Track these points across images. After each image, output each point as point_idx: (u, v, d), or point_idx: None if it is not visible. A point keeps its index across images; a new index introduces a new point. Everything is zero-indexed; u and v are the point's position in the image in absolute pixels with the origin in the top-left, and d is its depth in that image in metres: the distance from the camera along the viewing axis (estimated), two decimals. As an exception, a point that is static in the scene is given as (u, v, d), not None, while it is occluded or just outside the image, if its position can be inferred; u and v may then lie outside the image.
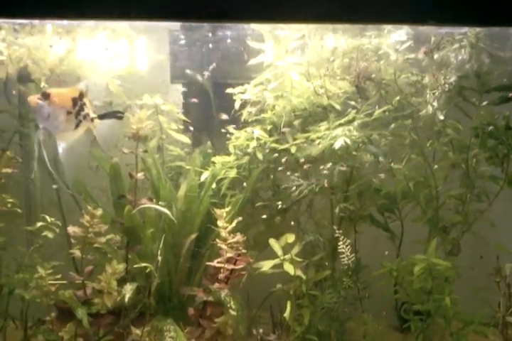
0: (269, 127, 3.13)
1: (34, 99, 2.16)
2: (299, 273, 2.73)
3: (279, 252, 2.84)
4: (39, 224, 2.52)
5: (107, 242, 2.79)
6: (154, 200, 2.92)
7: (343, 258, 2.78)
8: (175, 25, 3.44)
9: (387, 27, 2.54)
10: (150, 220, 2.91)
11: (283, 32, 3.04)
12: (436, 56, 2.41)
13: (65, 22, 2.63)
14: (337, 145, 2.52)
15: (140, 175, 2.80)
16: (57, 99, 2.20)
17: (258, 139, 3.09)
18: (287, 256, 2.78)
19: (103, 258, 2.82)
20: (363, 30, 2.65)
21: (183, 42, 3.36)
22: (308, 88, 2.97)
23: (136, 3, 1.92)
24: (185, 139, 3.37)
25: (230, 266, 2.63)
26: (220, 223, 2.63)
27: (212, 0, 1.87)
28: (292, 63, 3.00)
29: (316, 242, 2.99)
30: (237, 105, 3.17)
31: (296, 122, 3.08)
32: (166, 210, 2.58)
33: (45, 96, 2.18)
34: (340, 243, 2.76)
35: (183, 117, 3.41)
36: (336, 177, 2.52)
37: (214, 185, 3.06)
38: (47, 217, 2.56)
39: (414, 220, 2.94)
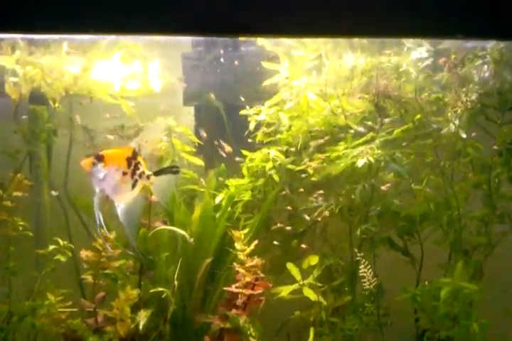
0: (284, 148, 3.06)
1: (88, 162, 2.11)
2: (320, 298, 2.61)
3: (298, 277, 2.74)
4: (51, 247, 2.42)
5: (119, 268, 2.69)
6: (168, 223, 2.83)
7: (365, 282, 2.67)
8: (187, 48, 3.43)
9: (407, 44, 2.51)
10: (164, 244, 2.82)
11: (299, 52, 3.01)
12: (458, 73, 2.36)
13: (78, 39, 2.60)
14: (360, 163, 2.45)
15: (155, 198, 2.72)
16: (112, 160, 2.16)
17: (274, 160, 3.03)
18: (306, 281, 2.67)
19: (114, 284, 2.71)
20: (381, 48, 2.62)
21: (196, 64, 3.33)
22: (324, 108, 2.92)
23: (155, 17, 1.88)
24: (199, 161, 3.31)
25: (248, 291, 2.52)
26: (237, 246, 2.53)
27: (235, 14, 1.83)
28: (308, 83, 2.95)
29: (335, 266, 2.87)
30: (251, 126, 3.11)
31: (313, 143, 3.02)
32: (182, 232, 2.48)
33: (99, 158, 2.14)
34: (362, 266, 2.65)
35: (195, 139, 3.35)
36: (358, 197, 2.42)
37: (229, 208, 2.97)
38: (59, 240, 2.47)
39: (436, 242, 2.83)
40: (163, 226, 2.59)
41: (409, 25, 1.89)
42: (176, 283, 2.47)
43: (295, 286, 2.70)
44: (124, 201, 2.29)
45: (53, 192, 2.83)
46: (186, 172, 3.35)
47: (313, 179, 2.84)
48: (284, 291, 2.71)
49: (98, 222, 2.25)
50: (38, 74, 2.76)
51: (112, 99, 3.11)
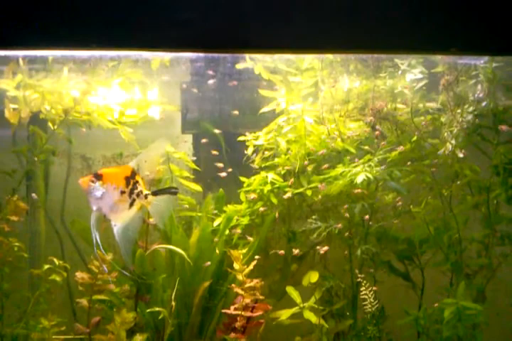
0: (282, 172, 3.08)
1: (86, 180, 2.12)
2: (321, 321, 2.55)
3: (298, 300, 2.69)
4: (46, 266, 2.38)
5: (114, 293, 2.63)
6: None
7: (366, 305, 2.62)
8: (186, 77, 3.51)
9: (402, 67, 2.57)
10: (161, 267, 2.77)
11: (295, 78, 3.08)
12: (452, 92, 2.41)
13: (78, 60, 2.64)
14: (359, 179, 2.46)
15: (152, 221, 2.70)
16: (110, 179, 2.17)
17: (272, 184, 3.03)
18: (307, 304, 2.62)
19: (109, 309, 2.64)
20: (376, 72, 2.68)
21: (194, 92, 3.40)
22: (321, 132, 2.95)
23: (156, 34, 1.93)
24: (197, 187, 3.31)
25: (248, 314, 2.46)
26: (236, 266, 2.50)
27: (234, 30, 1.88)
28: (305, 108, 3.00)
29: (336, 289, 2.83)
30: (249, 151, 3.14)
31: (311, 167, 3.04)
32: (180, 251, 2.45)
33: (98, 177, 2.16)
34: (363, 289, 2.61)
35: (193, 166, 3.37)
36: (357, 216, 2.41)
37: (227, 232, 2.95)
38: (55, 260, 2.43)
39: (436, 265, 2.80)
40: (161, 246, 2.55)
41: (405, 40, 1.93)
42: (173, 303, 2.40)
43: (295, 309, 2.63)
44: (120, 220, 2.28)
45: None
46: (184, 198, 3.34)
47: (311, 201, 2.81)
48: (284, 315, 2.65)
49: (94, 241, 2.23)
50: (38, 99, 2.78)
51: (110, 124, 3.13)
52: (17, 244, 2.51)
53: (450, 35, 1.88)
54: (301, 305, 2.63)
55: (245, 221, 3.08)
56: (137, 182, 2.31)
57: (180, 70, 3.40)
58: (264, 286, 2.87)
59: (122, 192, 2.25)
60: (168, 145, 3.31)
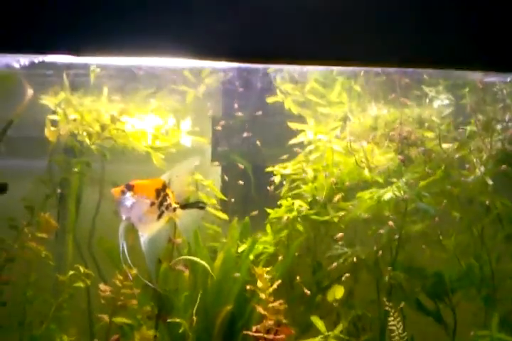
0: (309, 200, 3.08)
1: (118, 190, 2.21)
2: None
3: (323, 329, 2.59)
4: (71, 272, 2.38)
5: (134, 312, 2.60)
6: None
7: (394, 337, 2.51)
8: (218, 112, 3.63)
9: (430, 93, 2.62)
10: (183, 287, 2.74)
11: (324, 110, 3.16)
12: (480, 117, 2.43)
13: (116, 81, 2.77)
14: (387, 197, 2.44)
15: (179, 240, 2.71)
16: (141, 190, 2.25)
17: (298, 211, 3.03)
18: (332, 332, 2.52)
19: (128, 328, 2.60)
20: (404, 100, 2.74)
21: (224, 126, 3.50)
22: (349, 161, 2.98)
23: (179, 41, 2.00)
24: (223, 216, 3.32)
25: (270, 336, 2.38)
26: (259, 284, 2.45)
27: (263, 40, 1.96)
28: (333, 138, 3.06)
29: (362, 322, 2.72)
30: (276, 180, 3.17)
31: (338, 196, 3.04)
32: (204, 263, 2.43)
33: (129, 187, 2.24)
34: (391, 319, 2.51)
35: (221, 196, 3.40)
36: (385, 238, 2.37)
37: (251, 257, 2.92)
38: (80, 267, 2.44)
39: (469, 299, 2.68)
40: (185, 257, 2.53)
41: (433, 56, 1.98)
42: (194, 318, 2.35)
43: (320, 338, 2.54)
44: (148, 231, 2.30)
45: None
46: (210, 226, 3.35)
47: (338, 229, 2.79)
48: (308, 343, 2.55)
49: (121, 250, 2.24)
50: (77, 118, 2.90)
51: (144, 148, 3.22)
52: (44, 252, 2.51)
53: (473, 51, 1.92)
54: (326, 334, 2.52)
55: (270, 249, 3.05)
56: (167, 195, 2.36)
57: (212, 102, 3.54)
58: (288, 317, 2.79)
59: (152, 204, 2.29)
60: (197, 173, 3.37)
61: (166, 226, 2.42)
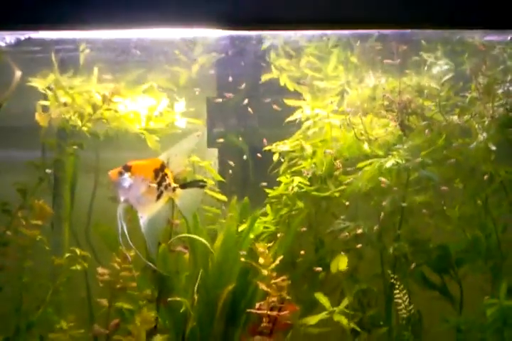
0: (309, 176, 3.01)
1: (115, 172, 2.14)
2: (353, 325, 2.39)
3: (327, 304, 2.53)
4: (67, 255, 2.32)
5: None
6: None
7: (401, 310, 2.44)
8: (213, 92, 3.55)
9: (429, 59, 2.55)
10: (184, 268, 2.67)
11: (320, 83, 3.09)
12: (481, 80, 2.35)
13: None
14: (388, 164, 2.37)
15: (177, 222, 2.64)
16: (139, 171, 2.18)
17: (299, 188, 2.96)
18: (337, 308, 2.46)
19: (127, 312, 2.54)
20: (402, 69, 2.66)
21: (220, 107, 3.42)
22: (348, 135, 2.91)
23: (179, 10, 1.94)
24: (222, 197, 3.25)
25: (274, 313, 2.31)
26: (261, 260, 2.38)
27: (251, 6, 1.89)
28: (331, 112, 2.98)
29: (367, 297, 2.66)
30: (275, 158, 3.10)
31: (338, 171, 2.97)
32: (203, 240, 2.37)
33: (127, 168, 2.18)
34: (397, 291, 2.44)
35: (219, 177, 3.33)
36: (388, 207, 2.30)
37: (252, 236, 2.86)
38: (77, 250, 2.37)
39: (475, 270, 2.62)
40: (184, 235, 2.46)
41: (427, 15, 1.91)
42: (195, 297, 2.28)
43: (324, 314, 2.47)
44: (147, 212, 2.24)
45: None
46: (209, 209, 3.28)
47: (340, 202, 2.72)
48: (313, 320, 2.49)
49: (121, 232, 2.18)
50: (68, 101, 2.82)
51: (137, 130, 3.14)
52: (39, 236, 2.44)
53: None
54: (331, 309, 2.46)
55: (271, 228, 2.99)
56: (166, 174, 2.30)
57: (207, 84, 3.46)
58: (291, 295, 2.73)
59: (150, 184, 2.23)
60: (194, 156, 3.29)
61: (166, 206, 2.36)
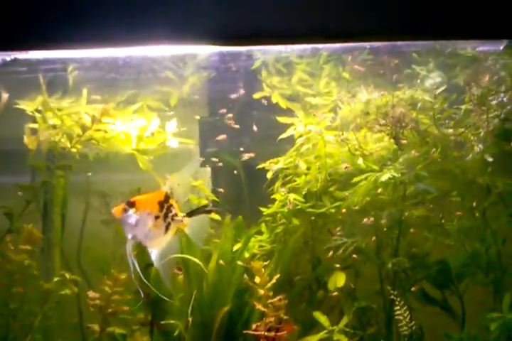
0: (303, 192, 2.97)
1: (119, 209, 2.10)
2: (353, 344, 2.31)
3: (326, 323, 2.46)
4: (56, 279, 2.24)
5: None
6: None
7: (402, 327, 2.37)
8: (205, 112, 3.54)
9: (421, 72, 2.53)
10: (178, 290, 2.59)
11: (313, 99, 3.07)
12: (475, 90, 2.34)
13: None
14: (383, 178, 2.33)
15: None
16: (144, 205, 2.14)
17: (293, 205, 2.91)
18: (337, 327, 2.38)
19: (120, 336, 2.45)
20: (395, 84, 2.65)
21: (211, 126, 3.40)
22: (342, 150, 2.88)
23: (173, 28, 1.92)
24: (216, 217, 3.20)
25: (272, 334, 2.24)
26: (257, 279, 2.31)
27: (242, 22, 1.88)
28: (324, 127, 2.96)
29: (367, 315, 2.59)
30: (269, 175, 3.06)
31: (333, 188, 2.93)
32: (197, 260, 2.30)
33: (131, 204, 2.13)
34: (397, 308, 2.38)
35: (212, 196, 3.28)
36: (386, 221, 2.25)
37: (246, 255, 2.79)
38: (66, 274, 2.29)
39: (477, 283, 2.56)
40: (176, 255, 2.39)
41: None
42: (189, 319, 2.20)
43: (324, 333, 2.40)
44: (157, 246, 2.19)
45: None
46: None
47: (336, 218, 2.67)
48: (312, 340, 2.40)
49: (132, 269, 2.12)
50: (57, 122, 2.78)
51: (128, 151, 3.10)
52: (27, 261, 2.36)
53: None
54: (330, 328, 2.38)
55: (267, 246, 2.93)
56: (171, 205, 2.25)
57: (199, 104, 3.44)
58: (289, 315, 2.65)
59: (157, 217, 2.18)
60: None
61: (175, 237, 2.31)
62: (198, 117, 3.45)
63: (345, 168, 2.70)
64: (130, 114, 3.13)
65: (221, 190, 3.31)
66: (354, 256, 2.61)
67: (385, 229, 2.51)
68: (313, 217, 2.88)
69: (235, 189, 3.49)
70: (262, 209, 3.08)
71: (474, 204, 2.63)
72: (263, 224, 3.05)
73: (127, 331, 2.48)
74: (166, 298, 2.24)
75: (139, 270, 2.12)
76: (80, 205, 3.39)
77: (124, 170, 3.35)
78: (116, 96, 3.02)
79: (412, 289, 2.57)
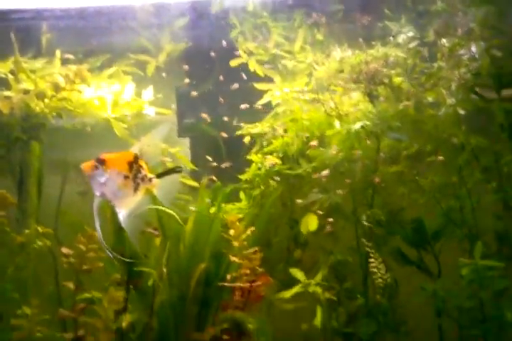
0: (280, 155, 2.97)
1: (89, 165, 2.06)
2: (328, 295, 2.31)
3: (302, 278, 2.46)
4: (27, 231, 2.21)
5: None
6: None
7: (377, 279, 2.38)
8: (181, 80, 3.52)
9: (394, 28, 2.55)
10: (154, 252, 2.58)
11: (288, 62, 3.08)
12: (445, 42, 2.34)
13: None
14: (356, 126, 2.33)
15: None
16: (114, 164, 2.11)
17: (270, 167, 2.92)
18: (313, 280, 2.39)
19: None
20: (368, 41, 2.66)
21: (189, 95, 3.39)
22: (318, 110, 2.88)
23: None
24: (193, 183, 3.19)
25: (247, 285, 2.23)
26: (232, 232, 2.31)
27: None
28: (300, 90, 2.96)
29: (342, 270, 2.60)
30: (246, 140, 3.06)
31: (309, 151, 2.94)
32: (173, 213, 2.29)
33: (101, 162, 2.10)
34: (372, 260, 2.38)
35: (191, 165, 3.28)
36: (359, 174, 2.25)
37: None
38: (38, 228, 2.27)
39: (449, 236, 2.57)
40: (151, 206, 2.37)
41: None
42: (164, 270, 2.19)
43: (300, 287, 2.40)
44: (126, 206, 2.17)
45: None
46: (180, 196, 3.20)
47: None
48: (288, 293, 2.40)
49: (98, 228, 2.11)
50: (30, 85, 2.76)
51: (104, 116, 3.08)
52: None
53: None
54: (306, 282, 2.38)
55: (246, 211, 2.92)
56: (141, 166, 2.23)
57: (176, 71, 3.43)
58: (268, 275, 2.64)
59: (126, 177, 2.16)
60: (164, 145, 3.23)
61: (145, 198, 2.29)
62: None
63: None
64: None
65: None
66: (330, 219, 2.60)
67: (359, 184, 2.49)
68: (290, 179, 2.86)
69: (215, 159, 3.48)
70: (240, 175, 3.07)
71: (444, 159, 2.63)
72: (241, 192, 3.04)
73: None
74: (126, 259, 2.20)
75: (100, 230, 2.09)
76: (56, 178, 3.37)
77: (102, 140, 3.32)
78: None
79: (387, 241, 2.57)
